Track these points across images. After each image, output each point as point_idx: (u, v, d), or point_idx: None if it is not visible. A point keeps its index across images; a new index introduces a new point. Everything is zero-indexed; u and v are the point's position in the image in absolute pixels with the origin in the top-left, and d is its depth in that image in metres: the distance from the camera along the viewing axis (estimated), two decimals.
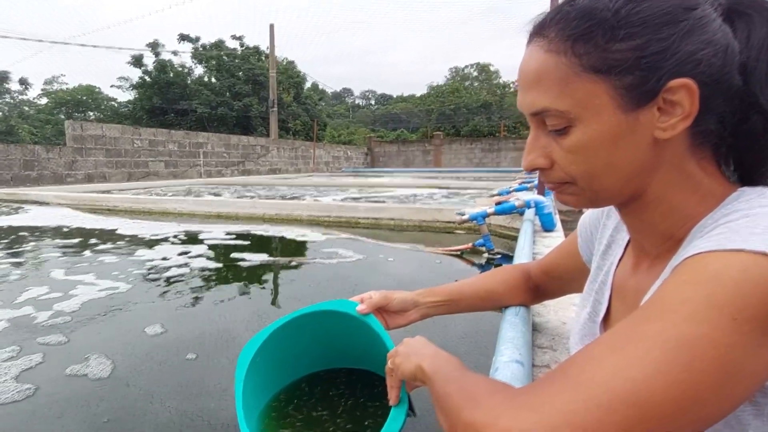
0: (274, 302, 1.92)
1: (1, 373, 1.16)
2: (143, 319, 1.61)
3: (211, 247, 2.96)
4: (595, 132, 0.48)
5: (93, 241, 3.28)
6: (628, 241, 0.64)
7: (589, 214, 0.77)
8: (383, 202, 5.53)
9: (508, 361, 0.68)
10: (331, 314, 0.95)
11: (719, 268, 0.38)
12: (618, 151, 0.48)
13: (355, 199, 6.14)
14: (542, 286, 0.93)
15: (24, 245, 3.11)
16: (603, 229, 0.71)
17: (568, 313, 1.10)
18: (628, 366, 0.37)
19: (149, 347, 1.38)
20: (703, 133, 0.48)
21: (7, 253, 2.82)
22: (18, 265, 2.52)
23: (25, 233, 3.65)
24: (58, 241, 3.31)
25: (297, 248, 3.03)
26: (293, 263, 2.57)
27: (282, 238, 3.37)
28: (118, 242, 3.18)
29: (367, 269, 2.43)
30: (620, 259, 0.64)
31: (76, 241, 3.29)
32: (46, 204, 5.81)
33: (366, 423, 0.92)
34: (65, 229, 3.84)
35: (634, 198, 0.52)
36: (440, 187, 8.27)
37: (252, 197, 6.52)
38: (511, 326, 0.81)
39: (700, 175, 0.49)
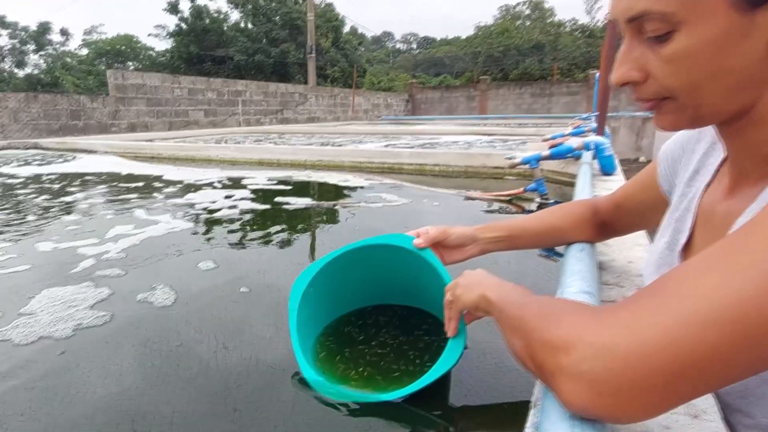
0: (320, 242, 1.94)
1: (78, 302, 1.23)
2: (196, 256, 1.68)
3: (254, 191, 3.00)
4: (702, 37, 0.41)
5: (143, 185, 3.39)
6: (720, 166, 0.58)
7: (673, 140, 0.70)
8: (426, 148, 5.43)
9: (577, 292, 0.63)
10: (385, 248, 0.93)
11: None
12: (727, 59, 0.41)
13: (388, 146, 6.05)
14: (611, 221, 0.87)
15: (84, 190, 3.28)
16: (691, 155, 0.65)
17: (634, 253, 1.04)
18: (733, 282, 0.34)
19: (205, 281, 1.44)
20: None
21: (67, 199, 2.98)
22: (84, 206, 2.66)
23: (91, 178, 3.82)
24: (112, 186, 3.45)
25: (340, 193, 3.02)
26: (337, 207, 2.57)
27: (324, 184, 3.37)
28: (166, 187, 3.26)
29: (412, 213, 2.40)
30: (708, 185, 0.58)
31: (129, 185, 3.41)
32: (94, 152, 6.02)
33: (419, 361, 0.92)
34: (118, 175, 3.99)
35: (740, 114, 0.46)
36: (486, 134, 8.01)
37: (293, 145, 6.56)
38: (577, 260, 0.76)
39: None
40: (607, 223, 0.88)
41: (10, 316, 1.17)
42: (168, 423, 0.78)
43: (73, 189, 3.26)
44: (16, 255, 1.72)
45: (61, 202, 2.80)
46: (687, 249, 0.60)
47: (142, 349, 1.02)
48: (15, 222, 2.26)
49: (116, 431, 0.77)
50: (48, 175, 4.02)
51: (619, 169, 2.43)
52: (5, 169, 4.45)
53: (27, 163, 4.96)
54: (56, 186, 3.41)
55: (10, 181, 3.70)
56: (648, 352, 0.35)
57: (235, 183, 3.36)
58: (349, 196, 2.91)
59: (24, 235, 2.03)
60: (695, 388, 0.36)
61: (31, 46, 19.12)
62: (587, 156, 2.38)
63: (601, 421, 0.40)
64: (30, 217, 2.37)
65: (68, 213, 2.48)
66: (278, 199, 2.73)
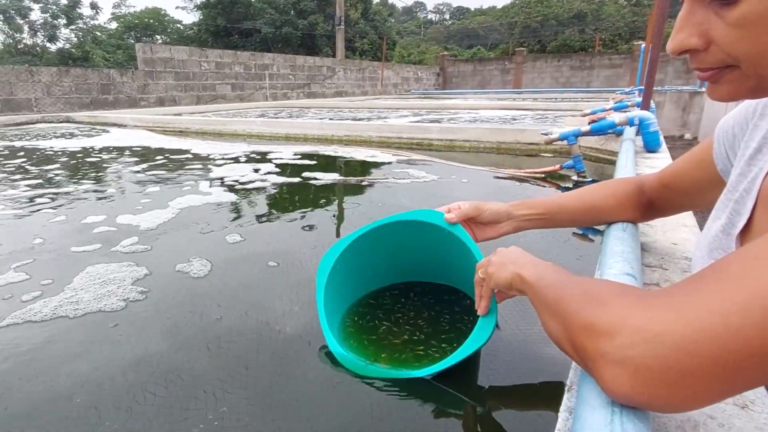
0: (347, 218, 1.93)
1: (119, 280, 1.26)
2: (226, 230, 1.70)
3: (281, 166, 3.00)
4: None
5: (173, 158, 3.45)
6: None
7: (733, 115, 0.64)
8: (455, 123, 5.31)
9: (619, 274, 0.60)
10: (414, 224, 0.91)
11: None
12: None
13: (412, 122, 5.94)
14: (658, 201, 0.82)
15: (116, 163, 3.36)
16: (753, 131, 0.59)
17: (678, 234, 0.99)
18: None
19: (235, 254, 1.46)
20: None
21: (95, 172, 3.06)
22: (116, 180, 2.73)
23: (124, 151, 3.93)
24: (144, 159, 3.52)
25: (367, 169, 3.00)
26: (364, 182, 2.55)
27: (351, 159, 3.35)
28: (196, 161, 3.31)
29: (441, 189, 2.36)
30: None
31: (159, 159, 3.48)
32: (124, 126, 6.14)
33: (448, 340, 0.91)
34: (149, 149, 4.08)
35: None
36: (519, 109, 7.77)
37: (320, 119, 6.54)
38: (619, 241, 0.73)
39: None
40: (653, 203, 0.83)
41: (57, 288, 1.23)
42: (210, 390, 0.80)
43: (108, 161, 3.36)
44: (57, 227, 1.78)
45: (96, 174, 2.89)
46: (745, 233, 0.55)
47: (187, 321, 1.05)
48: (49, 195, 2.35)
49: (161, 391, 0.79)
50: (85, 148, 4.14)
51: (664, 146, 2.31)
52: (47, 143, 4.61)
53: (64, 137, 5.12)
54: (97, 158, 3.51)
55: (59, 152, 3.84)
56: (705, 340, 0.33)
57: (262, 158, 3.38)
58: (376, 171, 2.88)
59: (59, 206, 2.10)
60: (754, 379, 0.33)
61: (62, 21, 19.39)
62: (630, 132, 2.26)
63: (645, 409, 0.38)
64: (64, 190, 2.45)
65: (102, 185, 2.56)
66: (305, 174, 2.73)
